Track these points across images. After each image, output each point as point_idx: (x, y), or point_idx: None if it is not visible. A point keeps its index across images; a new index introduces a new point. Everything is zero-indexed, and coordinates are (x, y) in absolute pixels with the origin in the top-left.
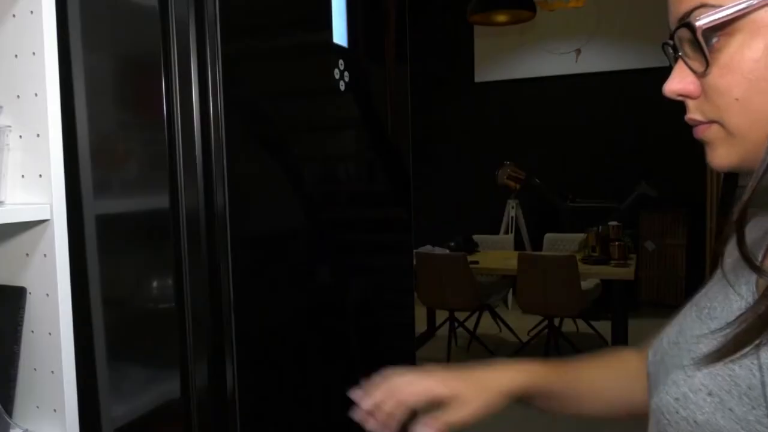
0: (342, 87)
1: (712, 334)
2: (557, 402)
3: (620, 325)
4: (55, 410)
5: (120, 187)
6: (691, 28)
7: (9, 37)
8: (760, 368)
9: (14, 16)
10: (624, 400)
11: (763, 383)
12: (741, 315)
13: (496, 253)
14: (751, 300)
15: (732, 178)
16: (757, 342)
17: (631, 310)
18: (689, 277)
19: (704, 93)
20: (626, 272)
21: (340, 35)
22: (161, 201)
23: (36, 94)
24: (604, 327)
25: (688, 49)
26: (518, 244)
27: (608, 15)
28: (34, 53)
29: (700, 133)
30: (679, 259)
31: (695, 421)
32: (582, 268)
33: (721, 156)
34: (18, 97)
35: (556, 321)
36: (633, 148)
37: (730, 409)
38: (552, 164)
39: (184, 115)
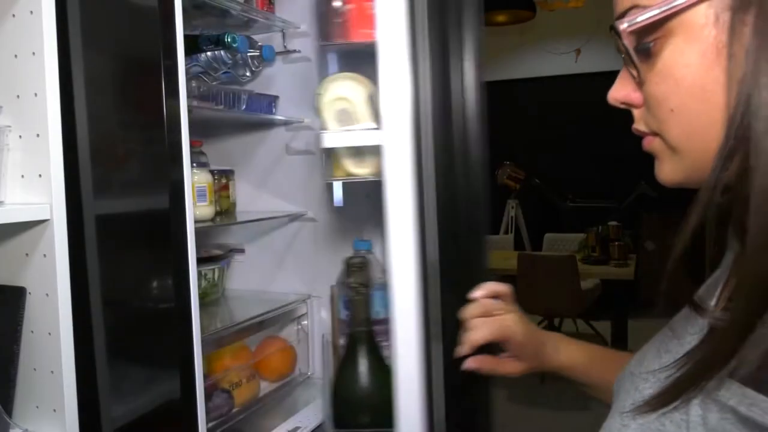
0: None
1: (660, 372)
2: (588, 388)
3: (620, 325)
4: (54, 410)
5: (120, 187)
6: (617, 31)
7: (9, 37)
8: (688, 426)
9: (14, 16)
10: None
11: None
12: (682, 358)
13: (496, 253)
14: (696, 340)
15: None
16: (689, 394)
17: (631, 310)
18: None
19: (645, 102)
20: (626, 272)
21: None
22: (161, 201)
23: (36, 94)
24: (604, 327)
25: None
26: (518, 244)
27: (608, 15)
28: (34, 53)
29: (647, 145)
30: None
31: None
32: (582, 268)
33: (666, 171)
34: (18, 97)
35: (556, 321)
36: (633, 148)
37: None
38: (552, 164)
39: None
